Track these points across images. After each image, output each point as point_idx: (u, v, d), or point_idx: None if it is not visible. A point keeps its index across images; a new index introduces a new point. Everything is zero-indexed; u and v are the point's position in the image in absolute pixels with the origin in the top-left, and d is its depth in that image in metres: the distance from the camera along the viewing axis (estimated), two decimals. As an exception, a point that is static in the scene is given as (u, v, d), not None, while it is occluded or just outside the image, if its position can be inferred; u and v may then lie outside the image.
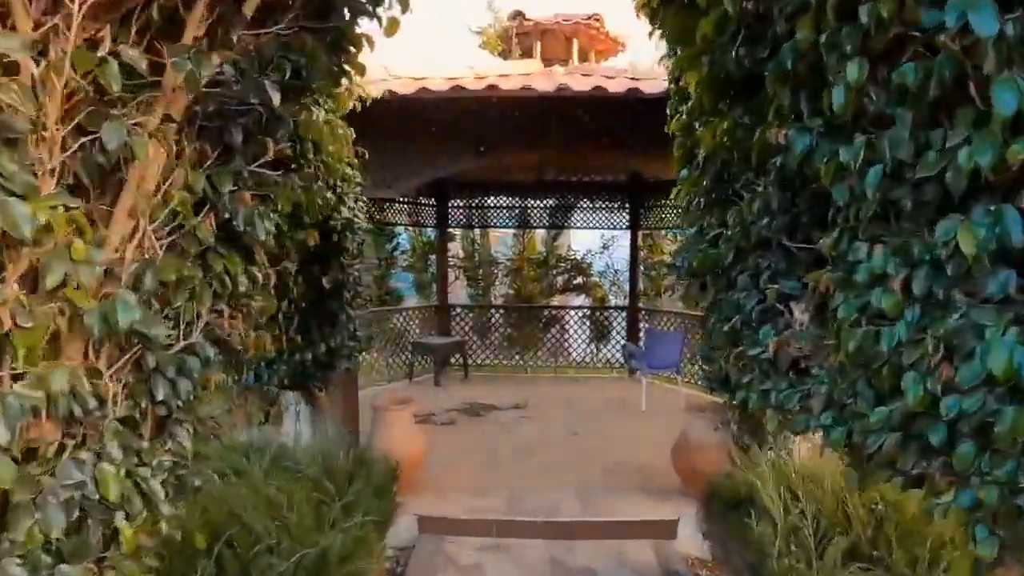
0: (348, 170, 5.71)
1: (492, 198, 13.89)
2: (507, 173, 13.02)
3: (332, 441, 6.29)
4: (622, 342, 13.41)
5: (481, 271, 15.55)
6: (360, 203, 5.99)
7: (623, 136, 7.71)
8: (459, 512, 6.47)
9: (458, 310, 13.93)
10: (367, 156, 6.05)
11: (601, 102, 7.60)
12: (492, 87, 7.30)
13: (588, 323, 14.12)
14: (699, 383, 11.33)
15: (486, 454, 8.30)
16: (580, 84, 7.57)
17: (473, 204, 13.82)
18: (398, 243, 15.21)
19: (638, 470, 7.68)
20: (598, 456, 8.18)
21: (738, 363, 4.09)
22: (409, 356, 12.51)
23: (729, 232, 4.03)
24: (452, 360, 13.13)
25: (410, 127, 7.42)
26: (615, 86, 7.44)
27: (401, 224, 13.72)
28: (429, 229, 14.28)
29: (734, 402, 4.41)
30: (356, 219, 5.97)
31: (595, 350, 13.99)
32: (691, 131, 4.73)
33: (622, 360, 13.22)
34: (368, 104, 6.33)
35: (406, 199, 12.65)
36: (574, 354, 14.07)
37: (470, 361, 13.30)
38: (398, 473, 6.38)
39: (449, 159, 7.54)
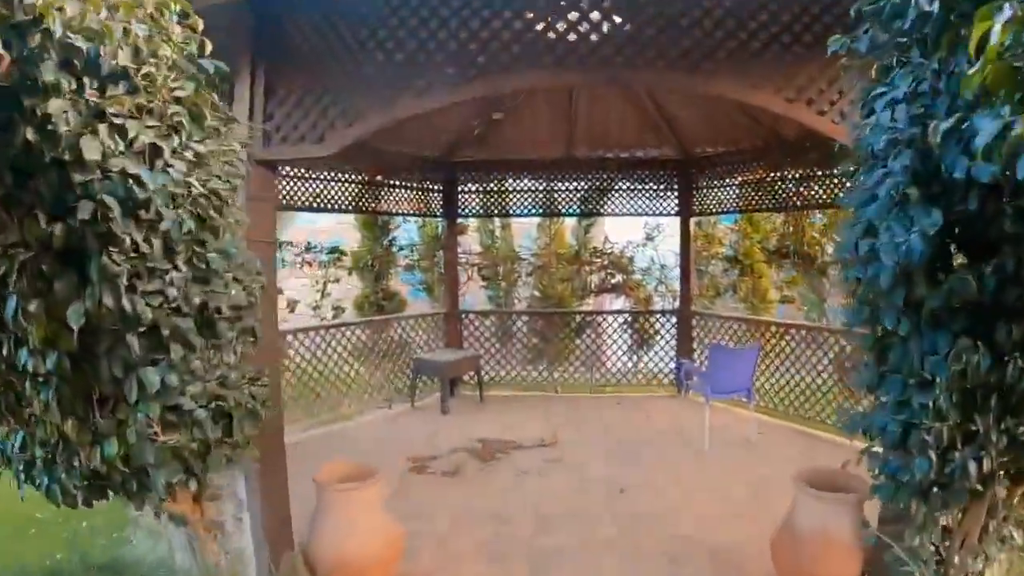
0: (178, 108, 3.07)
1: (511, 180, 12.00)
2: (522, 149, 11.24)
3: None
4: (675, 357, 11.54)
5: (501, 269, 13.81)
6: (228, 166, 3.36)
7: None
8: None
9: (471, 317, 12.09)
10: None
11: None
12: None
13: (629, 330, 12.27)
14: (809, 417, 9.51)
15: (497, 527, 6.29)
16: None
17: (489, 188, 11.91)
18: (394, 238, 13.56)
19: (714, 556, 5.64)
20: (655, 530, 6.14)
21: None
22: (413, 374, 10.72)
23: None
24: (466, 378, 11.37)
25: (344, 37, 4.93)
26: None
27: (399, 213, 11.92)
28: (436, 220, 12.49)
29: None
30: (204, 194, 3.15)
31: (637, 361, 12.15)
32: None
33: (674, 378, 11.37)
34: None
35: (405, 182, 10.90)
36: (612, 366, 12.21)
37: (488, 377, 11.60)
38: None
39: (415, 93, 4.83)
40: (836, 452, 8.07)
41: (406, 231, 14.30)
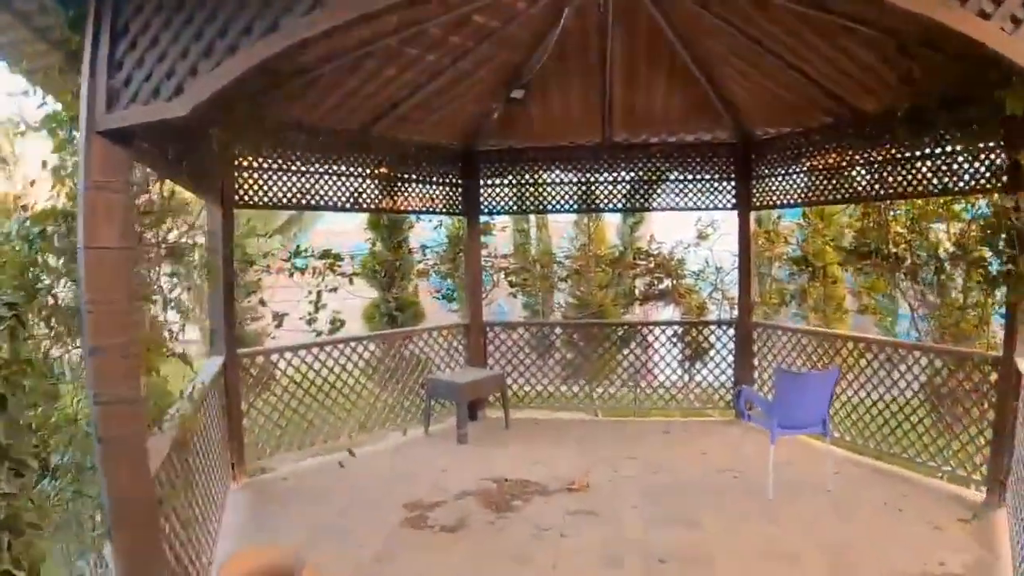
0: None
1: (541, 171, 10.71)
2: (553, 135, 10.02)
3: None
4: (732, 375, 10.23)
5: (533, 273, 12.62)
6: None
7: None
8: None
9: (497, 329, 10.87)
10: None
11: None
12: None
13: (679, 344, 10.96)
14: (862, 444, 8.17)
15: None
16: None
17: (515, 181, 10.63)
18: (406, 238, 12.47)
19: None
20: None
21: None
22: (427, 397, 9.58)
23: None
24: (491, 399, 10.16)
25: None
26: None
27: (410, 211, 10.74)
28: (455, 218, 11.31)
29: None
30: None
31: (688, 380, 10.81)
32: None
33: (732, 403, 10.04)
34: None
35: (417, 175, 9.72)
36: (660, 385, 10.77)
37: (518, 395, 10.49)
38: None
39: (306, 7, 3.03)
40: (930, 500, 6.91)
41: (435, 232, 13.21)
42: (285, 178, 8.28)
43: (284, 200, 8.32)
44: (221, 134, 6.13)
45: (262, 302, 10.13)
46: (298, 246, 9.82)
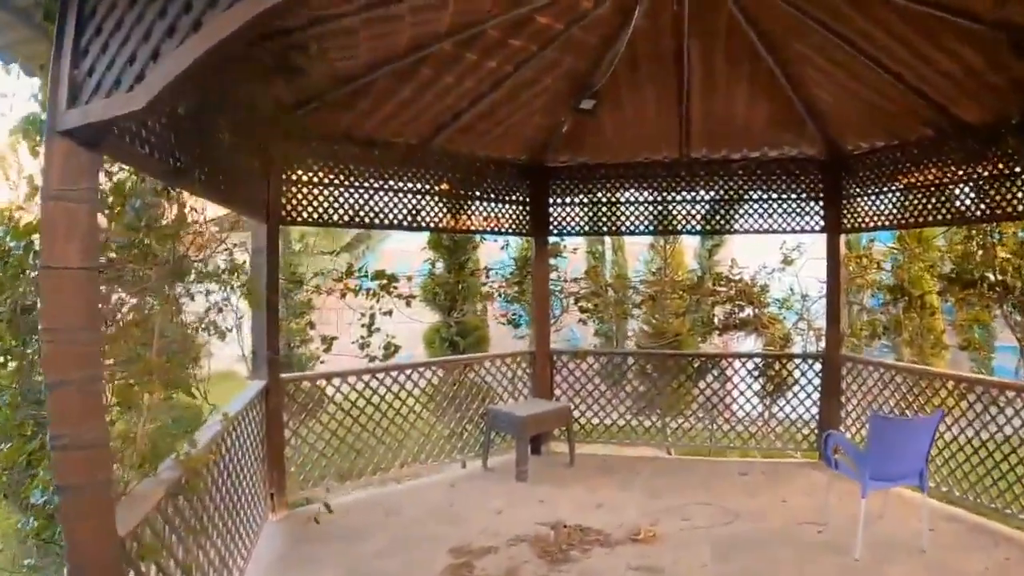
0: None
1: (615, 190, 10.15)
2: (628, 151, 9.52)
3: None
4: (817, 414, 9.57)
5: (605, 299, 12.16)
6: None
7: None
8: None
9: (564, 358, 10.35)
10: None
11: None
12: None
13: (761, 377, 10.35)
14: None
15: None
16: None
17: (585, 200, 10.12)
18: (468, 259, 12.10)
19: None
20: None
21: None
22: (486, 430, 9.17)
23: None
24: (557, 432, 9.64)
25: None
26: None
27: (474, 231, 10.33)
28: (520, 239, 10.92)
29: None
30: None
31: (770, 417, 10.15)
32: None
33: (816, 444, 9.34)
34: None
35: (482, 192, 9.31)
36: (738, 421, 10.21)
37: (587, 427, 10.04)
38: None
39: None
40: None
41: (503, 253, 12.82)
42: (337, 193, 7.94)
43: (335, 217, 7.99)
44: (262, 144, 5.78)
45: (311, 324, 9.85)
46: (349, 265, 9.46)
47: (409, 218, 8.57)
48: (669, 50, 7.40)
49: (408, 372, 8.85)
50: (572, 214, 10.06)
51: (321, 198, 7.80)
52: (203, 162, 4.72)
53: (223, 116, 4.72)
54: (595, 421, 10.18)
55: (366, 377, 8.40)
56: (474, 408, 9.46)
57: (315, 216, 7.78)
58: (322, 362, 9.13)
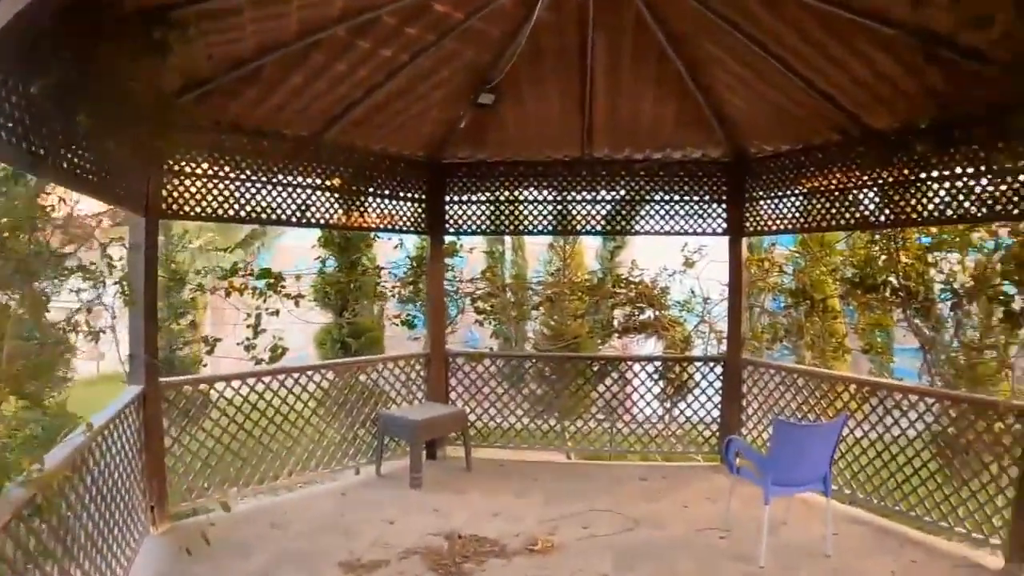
0: None
1: (514, 188, 9.97)
2: (529, 148, 9.37)
3: None
4: (718, 417, 9.57)
5: (503, 300, 11.98)
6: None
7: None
8: None
9: (460, 361, 10.14)
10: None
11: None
12: None
13: (661, 380, 10.34)
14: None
15: None
16: None
17: (484, 199, 9.92)
18: (360, 257, 11.83)
19: None
20: None
21: None
22: (379, 435, 8.84)
23: None
24: (453, 436, 9.43)
25: None
26: None
27: (364, 229, 10.07)
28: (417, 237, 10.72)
29: None
30: None
31: (670, 421, 10.14)
32: None
33: (717, 449, 9.34)
34: None
35: (375, 188, 8.98)
36: (638, 425, 10.19)
37: (483, 432, 9.88)
38: None
39: None
40: (943, 568, 6.36)
41: (397, 251, 12.58)
42: (223, 186, 7.50)
43: (221, 212, 7.52)
44: (137, 131, 5.38)
45: (193, 324, 9.46)
46: (235, 263, 9.08)
47: (299, 214, 8.19)
48: (573, 45, 7.25)
49: (296, 375, 8.47)
50: (470, 212, 9.83)
51: (205, 191, 7.35)
52: (67, 149, 4.35)
53: (91, 99, 4.33)
54: (492, 425, 9.99)
55: (252, 381, 8.00)
56: (366, 412, 9.15)
57: (199, 210, 7.34)
58: (204, 365, 8.75)
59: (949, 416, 7.18)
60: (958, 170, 6.68)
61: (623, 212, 9.77)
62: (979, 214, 6.66)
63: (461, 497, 7.98)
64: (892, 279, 9.28)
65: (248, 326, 8.46)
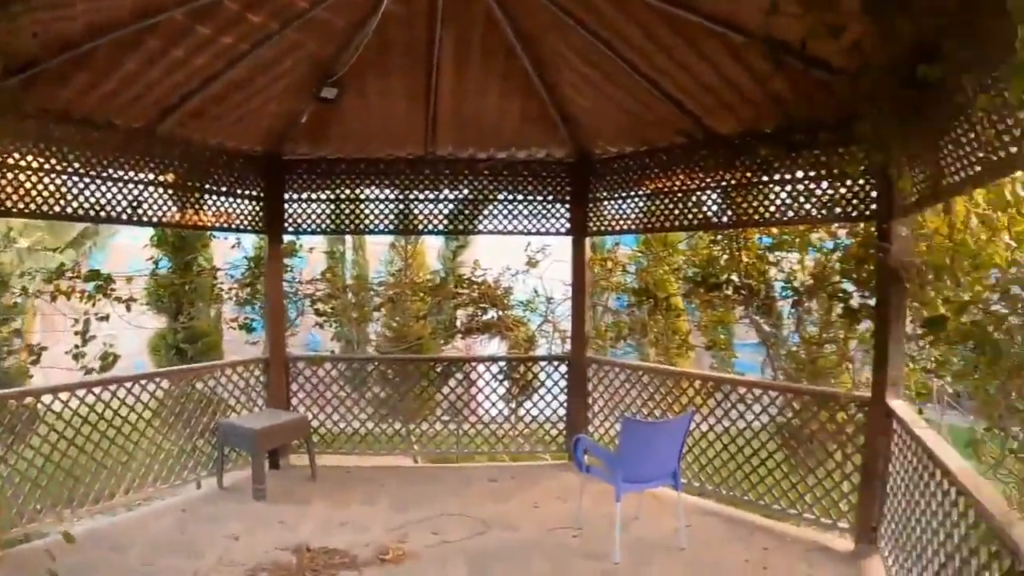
0: None
1: (357, 187, 9.72)
2: (373, 145, 9.15)
3: None
4: (565, 416, 9.59)
5: (344, 301, 11.73)
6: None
7: None
8: None
9: (301, 365, 9.82)
10: None
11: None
12: None
13: (506, 381, 10.37)
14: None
15: None
16: None
17: (324, 196, 9.59)
18: (196, 257, 11.36)
19: None
20: None
21: None
22: (219, 445, 8.40)
23: None
24: (297, 444, 9.07)
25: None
26: None
27: (200, 228, 9.48)
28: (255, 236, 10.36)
29: None
30: None
31: (517, 421, 10.12)
32: None
33: (566, 448, 9.31)
34: None
35: (211, 184, 8.53)
36: (484, 426, 10.03)
37: (328, 438, 9.60)
38: None
39: None
40: (795, 553, 6.60)
41: (236, 251, 12.11)
42: (48, 180, 6.87)
43: (46, 208, 6.89)
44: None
45: (19, 332, 8.82)
46: (61, 264, 8.51)
47: (130, 211, 7.67)
48: (422, 39, 7.10)
49: (129, 385, 7.96)
50: (310, 211, 9.50)
51: (30, 185, 6.72)
52: None
53: None
54: (336, 431, 9.73)
55: (81, 392, 7.43)
56: (205, 422, 8.67)
57: (22, 206, 6.71)
58: (31, 376, 8.16)
59: (793, 408, 7.48)
60: (799, 174, 6.99)
61: (466, 211, 9.72)
62: (819, 215, 6.98)
63: (307, 507, 7.69)
64: (734, 278, 9.56)
65: (76, 333, 7.92)
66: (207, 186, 8.48)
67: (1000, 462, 5.21)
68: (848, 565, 6.30)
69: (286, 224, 9.43)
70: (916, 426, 5.54)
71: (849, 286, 7.93)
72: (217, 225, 8.97)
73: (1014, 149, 3.51)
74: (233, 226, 9.08)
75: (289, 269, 10.55)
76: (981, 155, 3.91)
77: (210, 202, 8.58)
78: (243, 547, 6.59)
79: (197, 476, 8.43)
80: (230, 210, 8.85)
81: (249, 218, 9.09)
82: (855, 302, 7.86)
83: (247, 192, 9.01)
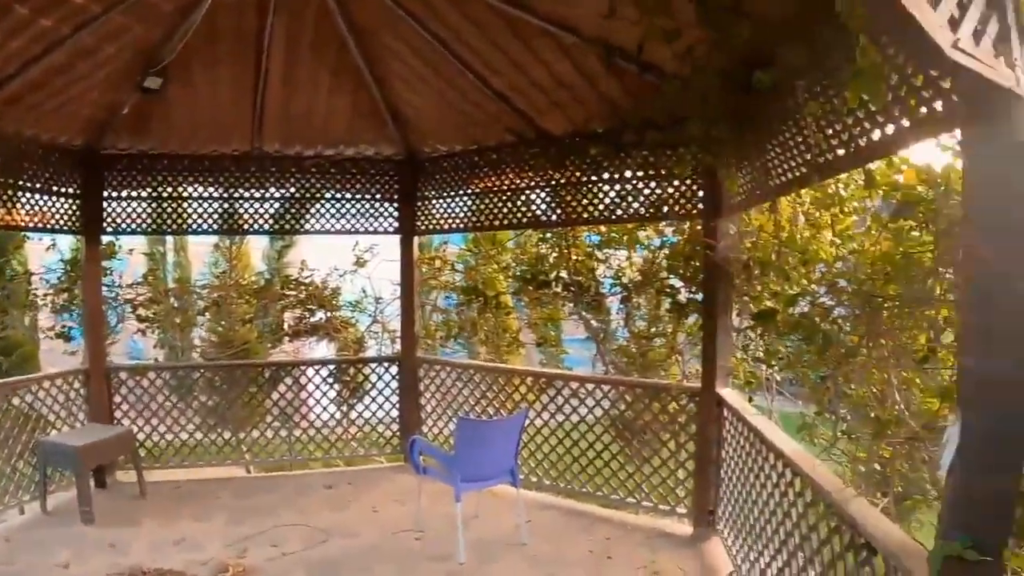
0: None
1: (180, 184, 9.37)
2: (198, 140, 8.81)
3: None
4: (398, 417, 9.59)
5: (166, 306, 11.34)
6: None
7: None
8: None
9: (123, 375, 9.33)
10: None
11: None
12: None
13: (337, 383, 10.28)
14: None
15: None
16: None
17: (151, 194, 9.21)
18: (6, 262, 10.79)
19: None
20: None
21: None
22: (40, 466, 7.86)
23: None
24: (123, 458, 8.64)
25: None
26: None
27: (14, 228, 8.78)
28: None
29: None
30: None
31: (349, 424, 9.96)
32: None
33: (405, 456, 9.19)
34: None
35: (27, 180, 7.95)
36: (316, 431, 9.96)
37: (152, 450, 9.19)
38: None
39: None
40: (637, 541, 6.84)
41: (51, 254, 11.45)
42: None
43: None
44: None
45: None
46: None
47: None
48: (252, 28, 6.84)
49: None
50: (131, 210, 9.06)
51: None
52: None
53: None
54: (164, 443, 9.33)
55: None
56: (24, 441, 8.08)
57: None
58: None
59: (625, 400, 7.74)
60: (628, 173, 7.23)
61: (293, 210, 9.54)
62: (647, 214, 7.27)
63: (138, 528, 7.31)
64: (563, 275, 9.74)
65: None
66: (20, 182, 7.90)
67: (833, 444, 5.56)
68: (689, 548, 6.58)
69: (105, 224, 8.95)
70: (746, 413, 5.86)
71: (677, 282, 8.26)
72: (31, 225, 8.40)
73: (841, 152, 3.73)
74: (48, 226, 8.53)
75: (108, 272, 10.06)
76: (808, 157, 4.14)
77: (23, 200, 8.01)
78: (74, 575, 6.25)
79: (19, 501, 7.84)
80: (45, 209, 8.31)
81: (66, 217, 8.55)
82: (683, 297, 8.20)
83: (63, 189, 8.48)
